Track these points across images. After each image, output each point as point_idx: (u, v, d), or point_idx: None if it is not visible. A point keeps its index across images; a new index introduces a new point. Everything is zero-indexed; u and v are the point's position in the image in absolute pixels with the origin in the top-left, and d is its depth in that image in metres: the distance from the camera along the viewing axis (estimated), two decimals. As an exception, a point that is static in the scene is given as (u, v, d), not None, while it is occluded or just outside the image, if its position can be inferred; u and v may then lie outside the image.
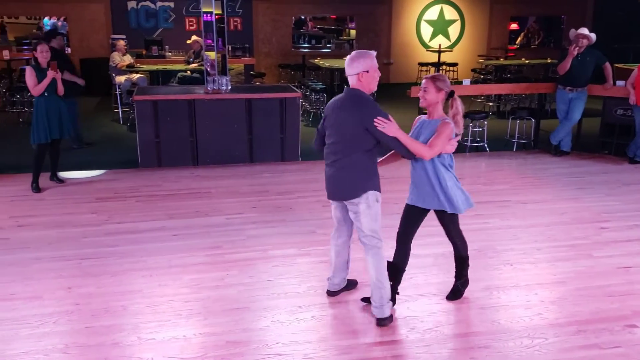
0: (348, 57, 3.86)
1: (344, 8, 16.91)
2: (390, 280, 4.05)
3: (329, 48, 17.09)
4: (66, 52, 9.72)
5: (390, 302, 4.03)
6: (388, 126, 3.71)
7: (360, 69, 3.78)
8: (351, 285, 4.50)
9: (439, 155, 3.91)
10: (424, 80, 3.96)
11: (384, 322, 3.97)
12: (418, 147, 3.79)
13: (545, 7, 17.73)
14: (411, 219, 4.09)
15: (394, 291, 4.15)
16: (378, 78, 3.88)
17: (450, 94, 3.94)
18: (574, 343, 3.81)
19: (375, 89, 3.94)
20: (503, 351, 3.71)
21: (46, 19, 16.02)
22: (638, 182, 7.43)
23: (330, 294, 4.40)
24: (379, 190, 3.93)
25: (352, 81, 3.84)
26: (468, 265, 4.36)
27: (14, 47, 14.36)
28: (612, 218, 6.10)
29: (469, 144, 9.01)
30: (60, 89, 6.84)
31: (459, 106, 3.96)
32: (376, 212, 3.93)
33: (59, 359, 3.60)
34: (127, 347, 3.73)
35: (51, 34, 9.47)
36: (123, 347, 3.73)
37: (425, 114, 4.09)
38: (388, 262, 4.06)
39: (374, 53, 3.85)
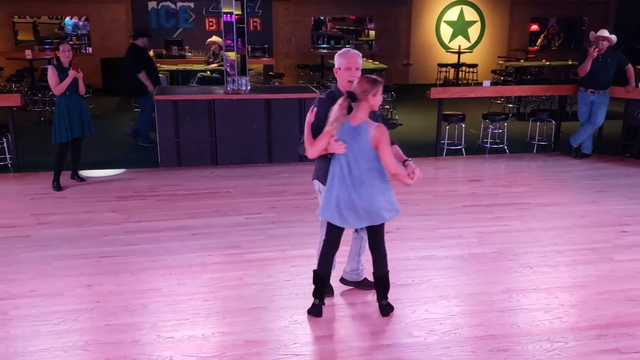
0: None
1: (363, 9, 16.88)
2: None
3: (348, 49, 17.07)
4: (149, 52, 10.11)
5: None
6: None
7: (335, 66, 4.02)
8: (364, 284, 4.48)
9: None
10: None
11: None
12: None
13: (566, 9, 17.54)
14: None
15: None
16: (350, 79, 3.85)
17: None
18: (595, 347, 3.76)
19: (349, 87, 3.82)
20: (522, 354, 3.68)
21: (67, 18, 16.24)
22: (661, 185, 7.32)
23: (342, 280, 4.51)
24: (322, 181, 3.98)
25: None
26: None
27: (36, 47, 14.56)
28: (634, 221, 6.02)
29: (488, 145, 8.95)
30: (82, 88, 6.92)
31: None
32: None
33: (79, 356, 3.64)
34: (146, 345, 3.76)
35: (138, 33, 9.81)
36: (142, 345, 3.76)
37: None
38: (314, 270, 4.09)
39: (349, 52, 3.98)
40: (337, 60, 3.98)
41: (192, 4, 15.60)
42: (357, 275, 4.47)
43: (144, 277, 4.72)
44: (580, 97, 8.49)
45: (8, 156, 7.78)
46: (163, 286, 4.56)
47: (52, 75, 6.71)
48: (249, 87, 8.40)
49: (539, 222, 6.02)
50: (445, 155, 8.79)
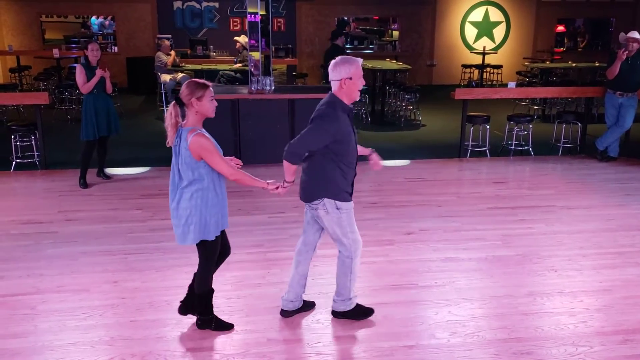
0: (332, 62, 3.70)
1: (387, 9, 16.84)
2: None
3: (371, 49, 17.05)
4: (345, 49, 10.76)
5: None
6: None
7: (343, 75, 3.62)
8: (307, 306, 4.22)
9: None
10: None
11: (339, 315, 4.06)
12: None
13: (593, 9, 17.31)
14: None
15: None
16: (361, 87, 3.66)
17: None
18: (620, 352, 3.72)
19: (357, 98, 3.75)
20: (546, 358, 3.65)
21: (93, 18, 16.47)
22: (690, 189, 7.19)
23: (284, 314, 4.12)
24: (336, 198, 3.76)
25: (334, 87, 3.68)
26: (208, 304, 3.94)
27: (63, 46, 14.79)
28: (662, 226, 5.93)
29: (513, 147, 8.87)
30: (109, 87, 7.01)
31: None
32: (338, 219, 3.80)
33: (105, 351, 3.70)
34: (171, 342, 3.81)
35: (336, 34, 10.47)
36: (167, 342, 3.81)
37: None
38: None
39: (360, 61, 3.68)
40: (348, 69, 3.60)
41: (216, 4, 15.72)
42: (300, 300, 4.17)
43: (168, 274, 4.78)
44: (608, 99, 8.38)
45: (36, 153, 7.92)
46: (187, 283, 4.55)
47: (80, 73, 6.81)
48: (273, 87, 8.43)
49: (564, 225, 5.96)
50: (469, 156, 8.73)
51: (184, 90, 3.59)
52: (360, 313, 4.09)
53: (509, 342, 3.83)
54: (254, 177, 3.74)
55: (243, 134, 8.12)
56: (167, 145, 3.70)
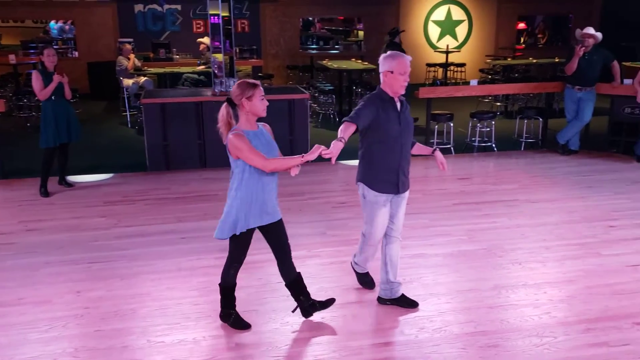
0: (381, 55, 4.02)
1: (352, 9, 16.89)
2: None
3: (337, 49, 17.09)
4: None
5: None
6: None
7: (385, 68, 3.92)
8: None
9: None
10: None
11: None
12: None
13: (552, 6, 17.64)
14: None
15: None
16: (404, 83, 3.89)
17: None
18: (583, 341, 3.79)
19: (402, 92, 3.95)
20: (512, 350, 3.70)
21: (52, 22, 16.14)
22: (647, 180, 7.39)
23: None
24: (370, 185, 4.00)
25: (381, 79, 3.98)
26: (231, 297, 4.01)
27: (20, 51, 14.44)
28: (621, 216, 6.07)
29: (477, 143, 8.99)
30: (68, 93, 6.88)
31: None
32: (366, 207, 4.07)
33: (69, 362, 3.62)
34: (137, 350, 3.75)
35: (395, 32, 10.84)
36: (133, 350, 3.74)
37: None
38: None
39: (407, 58, 3.93)
40: (390, 64, 3.88)
41: (179, 7, 15.55)
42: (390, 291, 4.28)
43: (133, 282, 4.70)
44: (567, 94, 8.55)
45: (-5, 163, 7.72)
46: (153, 291, 4.55)
47: (36, 80, 6.66)
48: (237, 89, 8.37)
49: (527, 218, 6.06)
50: (434, 153, 8.79)
51: (234, 91, 3.62)
52: (406, 302, 4.26)
53: (475, 335, 3.88)
54: (288, 158, 3.72)
55: (208, 137, 8.04)
56: (224, 143, 3.73)
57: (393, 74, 3.88)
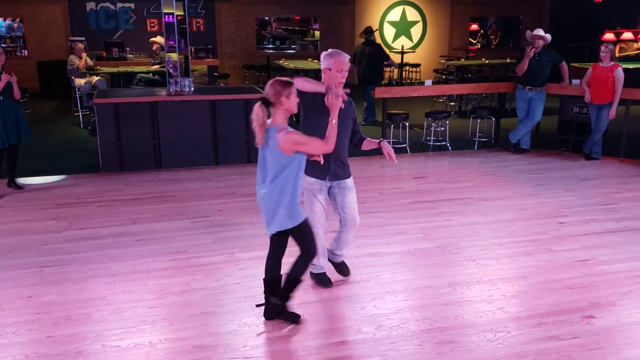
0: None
1: (308, 9, 16.93)
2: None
3: (293, 49, 17.10)
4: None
5: None
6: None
7: (324, 66, 4.11)
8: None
9: None
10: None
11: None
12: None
13: (503, 8, 18.08)
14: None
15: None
16: (342, 80, 4.08)
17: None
18: (535, 335, 3.89)
19: (340, 88, 4.05)
20: (467, 345, 3.77)
21: (0, 20, 15.64)
22: (594, 177, 7.64)
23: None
24: (311, 175, 4.20)
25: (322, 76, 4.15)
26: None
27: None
28: (570, 213, 6.26)
29: (432, 143, 9.13)
30: (17, 93, 6.68)
31: None
32: (305, 196, 4.26)
33: (20, 370, 3.52)
34: (91, 356, 3.66)
35: (370, 31, 11.50)
36: (87, 356, 3.66)
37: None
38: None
39: (345, 56, 4.10)
40: (328, 61, 4.07)
41: (132, 5, 15.29)
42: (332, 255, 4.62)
43: (87, 286, 4.60)
44: (518, 94, 8.76)
45: (-61, 165, 7.43)
46: (107, 294, 4.45)
47: (-18, 80, 6.45)
48: (192, 89, 8.29)
49: (480, 215, 6.19)
50: (391, 153, 8.89)
51: (270, 90, 3.64)
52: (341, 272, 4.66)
53: (431, 332, 3.94)
54: (332, 123, 3.78)
55: (162, 137, 7.93)
56: (257, 146, 3.73)
57: (331, 71, 4.07)
